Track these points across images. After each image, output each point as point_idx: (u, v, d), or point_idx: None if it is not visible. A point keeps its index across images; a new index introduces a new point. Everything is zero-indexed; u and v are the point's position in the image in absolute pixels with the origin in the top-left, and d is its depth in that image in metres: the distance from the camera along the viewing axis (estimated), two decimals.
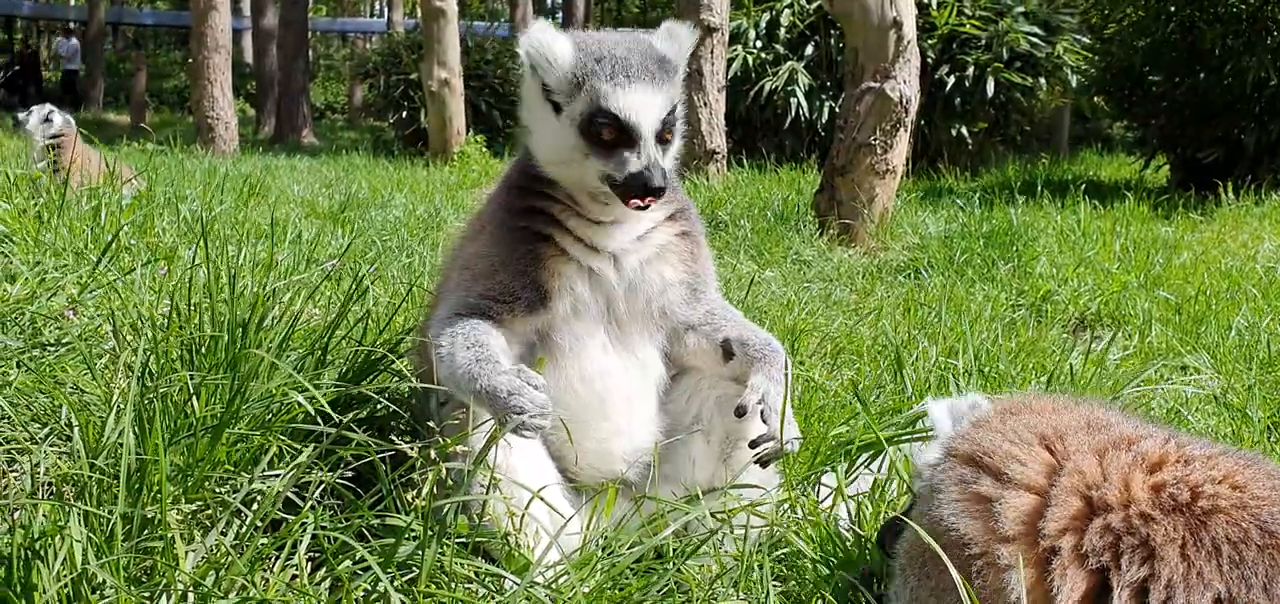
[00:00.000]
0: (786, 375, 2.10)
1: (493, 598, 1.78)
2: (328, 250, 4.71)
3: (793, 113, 12.75)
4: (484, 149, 12.80)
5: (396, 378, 2.22)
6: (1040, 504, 1.46)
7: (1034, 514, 1.45)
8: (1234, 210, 8.68)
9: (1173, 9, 10.47)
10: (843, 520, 2.17)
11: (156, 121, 21.93)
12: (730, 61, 12.17)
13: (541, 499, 1.86)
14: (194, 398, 1.93)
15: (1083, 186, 8.71)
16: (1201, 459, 1.46)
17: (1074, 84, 13.46)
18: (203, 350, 2.16)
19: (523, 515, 1.86)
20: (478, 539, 1.85)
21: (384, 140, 17.68)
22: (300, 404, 1.88)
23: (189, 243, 4.12)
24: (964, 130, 12.95)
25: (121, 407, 1.84)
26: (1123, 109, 12.42)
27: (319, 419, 1.89)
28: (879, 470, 2.32)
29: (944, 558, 1.47)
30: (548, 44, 1.95)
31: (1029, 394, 1.75)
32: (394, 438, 1.83)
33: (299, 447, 1.91)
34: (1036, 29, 12.98)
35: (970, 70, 12.67)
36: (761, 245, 6.29)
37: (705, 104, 9.58)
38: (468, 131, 13.28)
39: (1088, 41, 13.17)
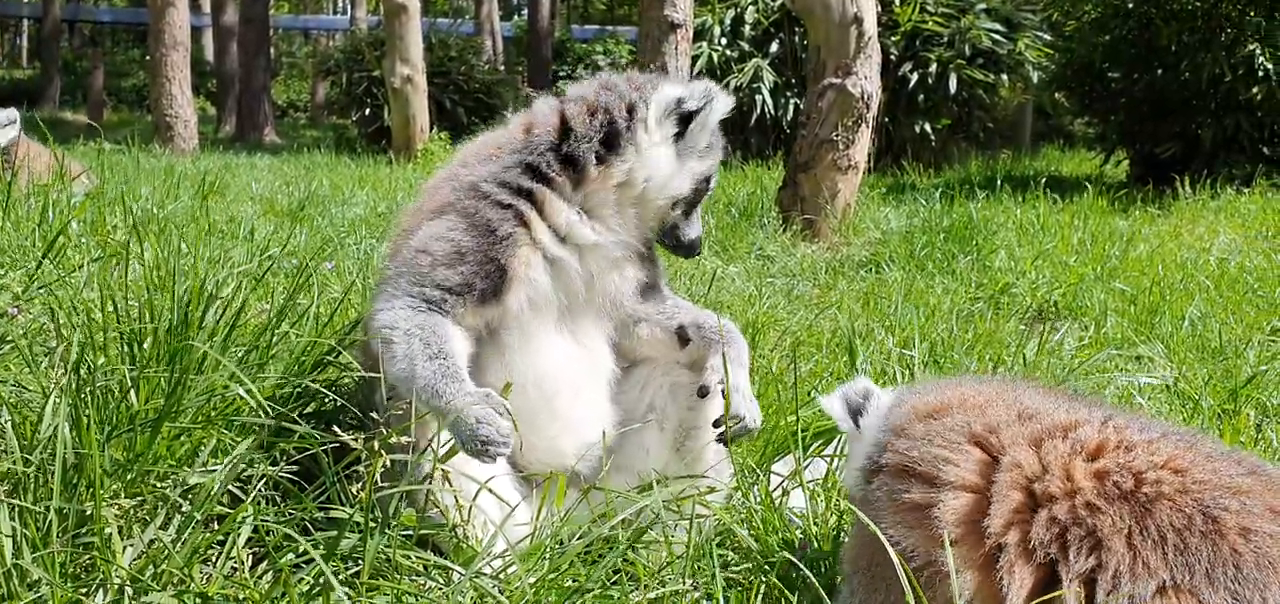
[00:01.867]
0: (742, 354, 2.11)
1: (440, 590, 1.76)
2: (284, 247, 4.64)
3: (758, 110, 12.78)
4: (448, 146, 12.67)
5: (344, 371, 2.19)
6: (980, 502, 1.43)
7: (974, 513, 1.43)
8: (1191, 204, 8.82)
9: (1131, 6, 10.62)
10: (796, 507, 2.17)
11: (115, 120, 21.54)
12: (695, 58, 12.18)
13: (489, 491, 1.84)
14: (133, 391, 1.89)
15: (1043, 181, 8.81)
16: (1142, 444, 1.45)
17: (1035, 80, 13.62)
18: (145, 344, 2.11)
19: (470, 507, 1.84)
20: (424, 531, 1.83)
21: (347, 138, 17.46)
22: (242, 398, 1.85)
23: (141, 240, 4.04)
24: (927, 126, 13.05)
25: (58, 400, 1.79)
26: (1083, 105, 12.57)
27: (263, 413, 1.85)
28: (834, 459, 2.33)
29: (895, 563, 1.44)
30: (722, 106, 2.11)
31: (950, 383, 1.72)
32: (337, 430, 1.79)
33: (242, 441, 1.87)
34: (998, 26, 13.12)
35: (933, 67, 12.77)
36: (726, 241, 6.29)
37: None
38: (432, 129, 13.18)
39: (1049, 38, 13.33)
